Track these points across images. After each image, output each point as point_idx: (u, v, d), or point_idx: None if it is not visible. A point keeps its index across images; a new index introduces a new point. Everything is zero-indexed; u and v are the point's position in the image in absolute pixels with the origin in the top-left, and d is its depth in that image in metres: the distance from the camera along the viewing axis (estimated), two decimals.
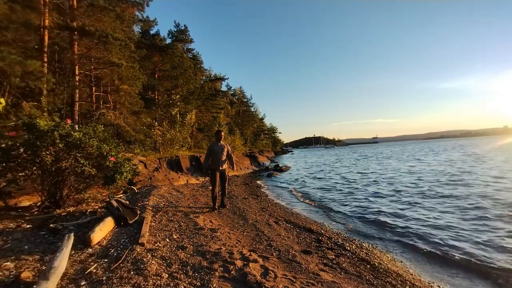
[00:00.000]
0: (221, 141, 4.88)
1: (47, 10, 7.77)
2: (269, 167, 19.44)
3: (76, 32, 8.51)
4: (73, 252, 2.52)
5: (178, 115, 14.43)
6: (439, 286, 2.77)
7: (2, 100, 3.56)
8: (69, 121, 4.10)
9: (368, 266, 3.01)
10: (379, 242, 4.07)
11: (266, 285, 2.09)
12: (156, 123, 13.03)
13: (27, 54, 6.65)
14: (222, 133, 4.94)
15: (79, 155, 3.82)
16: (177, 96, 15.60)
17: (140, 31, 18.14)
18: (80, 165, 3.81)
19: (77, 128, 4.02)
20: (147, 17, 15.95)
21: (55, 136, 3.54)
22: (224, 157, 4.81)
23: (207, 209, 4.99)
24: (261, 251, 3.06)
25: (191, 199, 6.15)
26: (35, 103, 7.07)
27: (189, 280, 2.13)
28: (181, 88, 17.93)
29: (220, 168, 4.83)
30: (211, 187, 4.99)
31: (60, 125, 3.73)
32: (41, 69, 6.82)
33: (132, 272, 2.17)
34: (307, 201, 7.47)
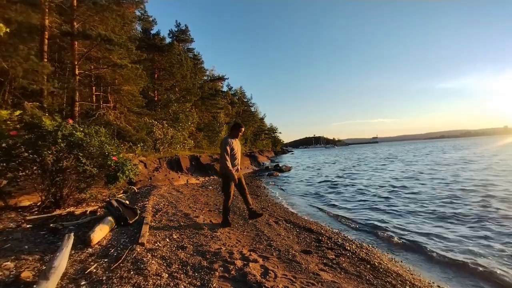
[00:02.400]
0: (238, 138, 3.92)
1: (47, 10, 7.77)
2: (269, 167, 19.43)
3: (74, 36, 8.51)
4: (73, 252, 2.52)
5: (181, 114, 14.48)
6: (439, 286, 2.77)
7: (3, 112, 3.58)
8: (71, 121, 4.10)
9: (368, 266, 3.01)
10: (379, 242, 4.07)
11: (266, 285, 2.09)
12: (157, 122, 13.06)
13: (29, 55, 6.67)
14: (243, 129, 3.92)
15: (81, 154, 3.83)
16: (173, 97, 15.64)
17: (141, 30, 18.16)
18: (82, 164, 3.81)
19: (80, 128, 4.02)
20: (145, 12, 15.93)
21: (58, 136, 3.55)
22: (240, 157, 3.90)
23: (207, 210, 4.98)
24: (261, 251, 3.06)
25: (191, 199, 6.15)
26: (37, 104, 7.09)
27: (189, 280, 2.13)
28: (179, 86, 17.97)
29: (238, 171, 3.83)
30: (224, 198, 3.81)
31: (62, 125, 3.74)
32: (49, 68, 6.86)
33: (132, 272, 2.17)
34: (307, 201, 7.46)
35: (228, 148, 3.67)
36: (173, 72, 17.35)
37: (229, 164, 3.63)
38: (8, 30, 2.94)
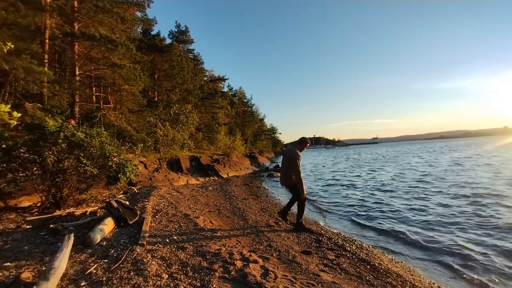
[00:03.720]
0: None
1: (48, 11, 7.79)
2: (269, 168, 19.42)
3: (77, 37, 8.53)
4: (73, 253, 2.52)
5: (182, 115, 14.50)
6: (439, 287, 2.77)
7: (3, 106, 3.56)
8: (72, 122, 4.10)
9: (368, 266, 3.01)
10: (379, 242, 4.07)
11: (266, 285, 2.09)
12: (159, 123, 13.06)
13: (28, 56, 6.69)
14: (308, 144, 4.22)
15: (82, 155, 3.83)
16: (174, 97, 15.64)
17: (141, 31, 18.19)
18: (83, 165, 3.81)
19: (80, 129, 4.03)
20: (145, 15, 15.96)
21: (60, 137, 3.55)
22: None
23: (207, 210, 4.98)
24: (261, 251, 3.06)
25: (191, 199, 6.15)
26: (38, 105, 7.10)
27: (189, 280, 2.13)
28: (180, 88, 18.00)
29: None
30: (300, 204, 4.13)
31: (64, 126, 3.74)
32: (51, 76, 6.87)
33: (132, 273, 2.17)
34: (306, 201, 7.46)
35: (299, 161, 3.97)
36: (174, 73, 17.37)
37: (302, 175, 3.94)
38: (12, 46, 2.89)
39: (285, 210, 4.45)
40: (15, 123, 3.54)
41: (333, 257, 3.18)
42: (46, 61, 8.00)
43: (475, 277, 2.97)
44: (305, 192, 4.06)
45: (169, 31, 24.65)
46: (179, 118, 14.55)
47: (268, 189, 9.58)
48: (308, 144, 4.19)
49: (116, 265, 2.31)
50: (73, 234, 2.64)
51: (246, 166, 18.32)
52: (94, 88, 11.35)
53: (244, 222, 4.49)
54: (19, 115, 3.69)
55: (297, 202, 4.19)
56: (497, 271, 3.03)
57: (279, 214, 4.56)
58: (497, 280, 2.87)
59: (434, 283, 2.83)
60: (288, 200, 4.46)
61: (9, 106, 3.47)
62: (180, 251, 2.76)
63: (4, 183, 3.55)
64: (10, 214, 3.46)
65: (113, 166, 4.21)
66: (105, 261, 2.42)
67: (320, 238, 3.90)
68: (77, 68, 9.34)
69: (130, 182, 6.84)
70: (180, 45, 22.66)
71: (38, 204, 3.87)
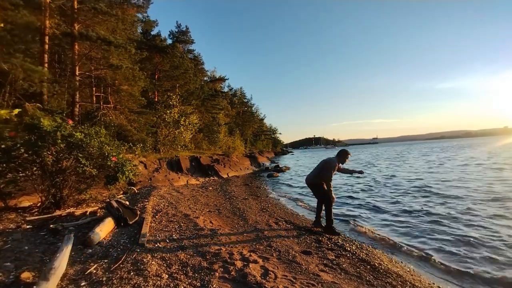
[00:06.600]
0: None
1: (48, 11, 7.80)
2: (269, 168, 19.43)
3: (76, 38, 8.55)
4: (73, 253, 2.52)
5: (181, 118, 14.53)
6: (439, 287, 2.77)
7: (3, 111, 3.57)
8: (70, 122, 4.10)
9: (368, 266, 3.01)
10: (379, 242, 4.06)
11: (266, 285, 2.09)
12: (163, 123, 13.09)
13: (28, 56, 6.69)
14: (346, 159, 4.27)
15: (81, 155, 3.83)
16: (175, 97, 15.60)
17: (141, 31, 18.19)
18: (81, 165, 3.81)
19: (79, 128, 4.03)
20: (148, 17, 15.98)
21: (57, 136, 3.55)
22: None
23: (207, 210, 4.98)
24: (261, 251, 3.06)
25: (191, 199, 6.15)
26: (38, 105, 7.10)
27: (189, 280, 2.13)
28: (181, 89, 18.00)
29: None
30: (328, 202, 4.22)
31: (62, 126, 3.74)
32: (47, 74, 6.87)
33: (132, 273, 2.18)
34: (306, 201, 7.45)
35: (333, 171, 4.16)
36: (175, 75, 17.36)
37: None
38: (2, 25, 2.93)
39: (317, 219, 4.45)
40: (15, 115, 3.53)
41: (333, 257, 3.18)
42: (46, 61, 8.00)
43: (475, 277, 2.97)
44: (333, 197, 4.17)
45: (170, 31, 24.69)
46: (180, 121, 14.57)
47: (268, 189, 9.58)
48: (350, 155, 4.28)
49: (116, 265, 2.31)
50: (73, 234, 2.64)
51: (246, 166, 18.32)
52: (94, 88, 11.34)
53: (244, 222, 4.49)
54: (19, 110, 3.69)
55: (324, 205, 4.26)
56: (499, 272, 3.03)
57: (313, 225, 4.49)
58: (498, 280, 2.87)
59: (434, 283, 2.83)
60: (316, 209, 4.52)
61: (8, 110, 3.49)
62: (180, 251, 2.76)
63: (4, 183, 3.55)
64: (10, 214, 3.46)
65: (112, 165, 4.22)
66: (105, 261, 2.42)
67: (320, 238, 3.90)
68: (77, 68, 9.34)
69: (130, 182, 6.83)
70: (181, 45, 22.65)
71: (38, 204, 3.87)
